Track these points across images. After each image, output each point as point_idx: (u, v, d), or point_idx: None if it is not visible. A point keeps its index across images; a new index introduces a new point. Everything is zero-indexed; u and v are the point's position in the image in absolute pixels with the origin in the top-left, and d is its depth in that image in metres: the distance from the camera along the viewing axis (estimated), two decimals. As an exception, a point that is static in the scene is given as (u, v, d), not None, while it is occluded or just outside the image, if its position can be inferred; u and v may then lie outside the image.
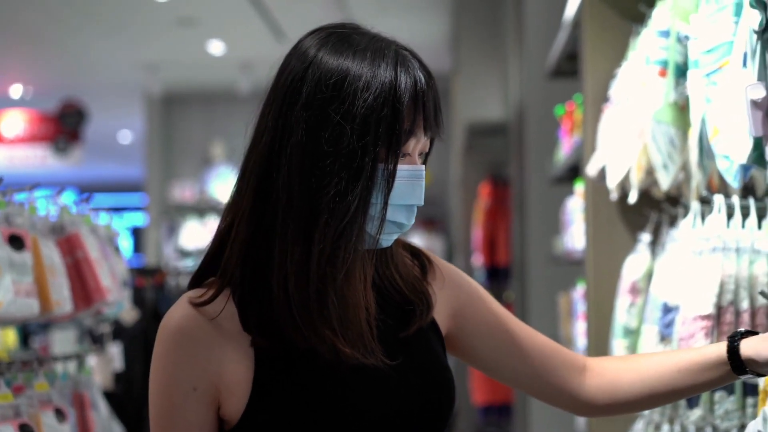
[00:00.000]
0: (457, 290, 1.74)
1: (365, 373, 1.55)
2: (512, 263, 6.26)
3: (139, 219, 15.30)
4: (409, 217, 1.57)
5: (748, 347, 1.65)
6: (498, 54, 7.81)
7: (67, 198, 3.00)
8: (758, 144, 1.78)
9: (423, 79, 1.55)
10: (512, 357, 1.75)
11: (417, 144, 1.56)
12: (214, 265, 1.61)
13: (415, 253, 1.73)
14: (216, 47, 10.61)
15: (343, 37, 1.57)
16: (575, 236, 4.24)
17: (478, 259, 7.22)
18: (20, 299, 2.49)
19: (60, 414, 2.76)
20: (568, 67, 4.53)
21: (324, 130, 1.50)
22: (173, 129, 12.87)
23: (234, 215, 1.57)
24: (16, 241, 2.54)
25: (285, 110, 1.53)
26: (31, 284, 2.55)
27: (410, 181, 1.55)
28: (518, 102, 6.02)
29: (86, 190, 3.11)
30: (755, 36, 1.75)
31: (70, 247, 2.88)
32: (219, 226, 1.61)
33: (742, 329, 1.72)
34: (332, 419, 1.53)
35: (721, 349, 1.68)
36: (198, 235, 12.73)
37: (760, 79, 1.74)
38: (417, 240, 11.21)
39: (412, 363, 1.60)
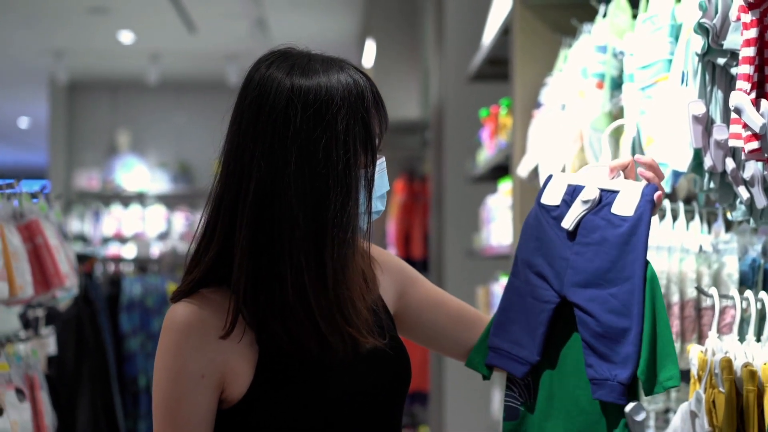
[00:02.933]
0: (397, 274, 1.94)
1: (346, 355, 1.71)
2: (429, 257, 6.46)
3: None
4: (384, 202, 1.79)
5: None
6: (414, 54, 8.00)
7: (26, 187, 3.09)
8: (697, 154, 1.99)
9: (371, 85, 1.75)
10: (451, 326, 1.96)
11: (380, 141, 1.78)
12: (203, 283, 1.72)
13: None
14: (126, 36, 10.59)
15: (303, 66, 1.72)
16: (495, 232, 4.46)
17: (392, 252, 7.40)
18: (-8, 283, 2.60)
19: (20, 393, 2.86)
20: (490, 71, 4.75)
21: (315, 155, 1.67)
22: (78, 116, 12.74)
23: (227, 242, 1.69)
24: (-15, 227, 2.64)
25: (276, 144, 1.67)
26: (1, 269, 2.65)
27: (381, 173, 1.76)
28: (437, 102, 6.22)
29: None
30: (697, 58, 1.96)
31: (30, 233, 2.98)
32: (210, 253, 1.71)
33: None
34: (326, 397, 1.70)
35: None
36: (103, 223, 12.64)
37: (700, 96, 1.94)
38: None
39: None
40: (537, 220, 1.85)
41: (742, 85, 1.71)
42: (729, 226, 2.45)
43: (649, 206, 1.74)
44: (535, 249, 1.84)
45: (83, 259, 4.73)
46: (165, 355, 1.68)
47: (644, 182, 1.77)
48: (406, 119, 7.45)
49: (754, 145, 1.67)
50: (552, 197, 1.84)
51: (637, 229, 1.73)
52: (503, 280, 4.14)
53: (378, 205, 1.76)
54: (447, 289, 5.68)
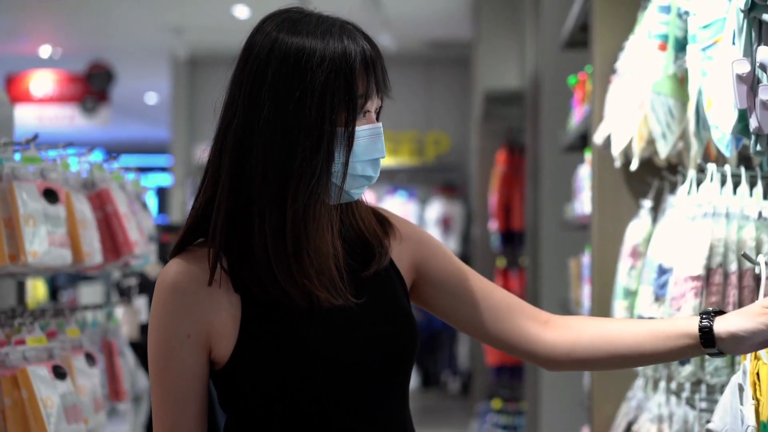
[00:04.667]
0: (417, 245, 1.93)
1: (337, 312, 1.74)
2: (526, 228, 6.39)
3: (164, 179, 15.44)
4: (375, 169, 1.78)
5: (730, 323, 1.76)
6: (516, 24, 7.90)
7: (97, 156, 3.15)
8: (743, 116, 1.91)
9: (369, 47, 1.76)
10: (468, 306, 1.92)
11: (372, 104, 1.77)
12: (196, 233, 1.78)
13: (378, 213, 1.92)
14: (241, 11, 10.72)
15: (295, 21, 1.75)
16: (585, 202, 4.37)
17: (493, 224, 7.36)
18: (54, 249, 2.65)
19: (90, 358, 2.93)
20: (581, 38, 4.64)
21: (287, 105, 1.70)
22: (198, 92, 12.97)
23: (214, 190, 1.75)
24: (50, 195, 2.70)
25: (254, 92, 1.71)
26: (64, 236, 2.70)
27: (371, 138, 1.76)
28: (533, 71, 6.13)
29: (113, 150, 3.25)
30: (741, 15, 1.87)
31: (100, 201, 3.04)
32: (199, 199, 1.78)
33: (710, 309, 1.84)
34: (309, 354, 1.72)
35: (691, 323, 1.79)
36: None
37: (745, 55, 1.86)
38: (436, 206, 11.32)
39: (376, 302, 1.80)
40: None
41: (773, 40, 1.63)
42: (796, 192, 2.34)
43: None
44: None
45: (177, 229, 4.80)
46: (154, 315, 1.75)
47: None
48: (507, 90, 7.37)
49: (780, 102, 1.59)
50: None
51: None
52: (589, 253, 4.05)
53: (366, 170, 1.76)
54: (542, 262, 5.66)
